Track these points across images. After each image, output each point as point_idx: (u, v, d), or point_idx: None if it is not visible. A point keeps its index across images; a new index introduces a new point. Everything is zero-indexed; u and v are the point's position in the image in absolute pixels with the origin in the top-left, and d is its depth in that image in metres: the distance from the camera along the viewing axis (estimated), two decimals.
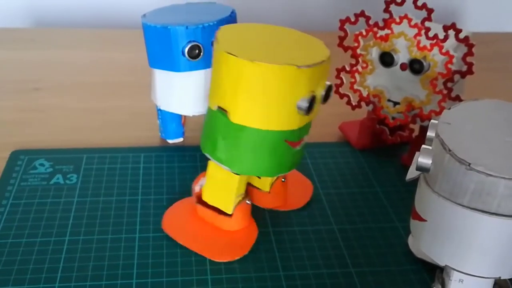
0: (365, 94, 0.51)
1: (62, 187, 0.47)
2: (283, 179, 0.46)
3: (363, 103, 0.52)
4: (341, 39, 0.50)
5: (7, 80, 0.65)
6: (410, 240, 0.43)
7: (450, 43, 0.46)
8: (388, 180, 0.51)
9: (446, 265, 0.35)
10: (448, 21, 0.45)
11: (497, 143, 0.32)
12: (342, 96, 0.53)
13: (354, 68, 0.51)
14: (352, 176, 0.51)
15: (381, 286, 0.40)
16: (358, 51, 0.50)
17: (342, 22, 0.49)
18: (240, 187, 0.42)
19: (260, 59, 0.36)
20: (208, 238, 0.43)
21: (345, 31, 0.50)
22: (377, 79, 0.50)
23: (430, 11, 0.45)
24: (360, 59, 0.50)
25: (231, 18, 0.48)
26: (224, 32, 0.39)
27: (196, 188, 0.44)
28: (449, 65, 0.46)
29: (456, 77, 0.46)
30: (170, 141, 0.54)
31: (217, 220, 0.43)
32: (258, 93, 0.37)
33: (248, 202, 0.43)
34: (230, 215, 0.43)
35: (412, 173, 0.35)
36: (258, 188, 0.46)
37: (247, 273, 0.40)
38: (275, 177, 0.45)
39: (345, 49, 0.50)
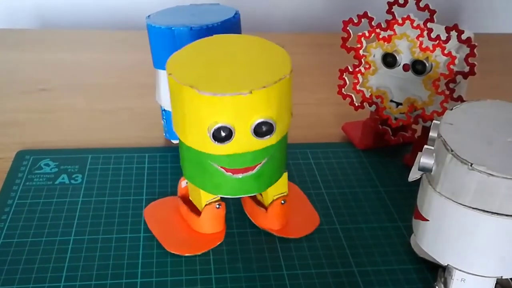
0: (368, 94, 0.51)
1: (67, 187, 0.48)
2: (282, 201, 0.43)
3: (366, 104, 0.52)
4: (344, 40, 0.50)
5: (14, 80, 0.65)
6: (413, 240, 0.43)
7: (452, 44, 0.46)
8: (391, 180, 0.51)
9: (448, 265, 0.35)
10: (450, 22, 0.45)
11: (499, 144, 0.32)
12: (345, 96, 0.53)
13: (357, 69, 0.51)
14: (355, 176, 0.51)
15: (384, 285, 0.40)
16: (361, 52, 0.50)
17: (345, 23, 0.50)
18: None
19: (179, 75, 0.36)
20: (176, 231, 0.44)
21: (348, 32, 0.50)
22: (379, 80, 0.50)
23: (432, 12, 0.45)
24: (363, 60, 0.51)
25: (235, 19, 0.48)
26: (193, 45, 0.40)
27: (183, 184, 0.45)
28: (451, 66, 0.46)
29: (458, 78, 0.46)
30: (174, 141, 0.54)
31: (189, 217, 0.44)
32: (177, 107, 0.37)
33: (218, 206, 0.42)
34: (199, 215, 0.42)
35: (414, 173, 0.35)
36: (258, 206, 0.44)
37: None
38: (274, 196, 0.43)
39: (348, 50, 0.50)
